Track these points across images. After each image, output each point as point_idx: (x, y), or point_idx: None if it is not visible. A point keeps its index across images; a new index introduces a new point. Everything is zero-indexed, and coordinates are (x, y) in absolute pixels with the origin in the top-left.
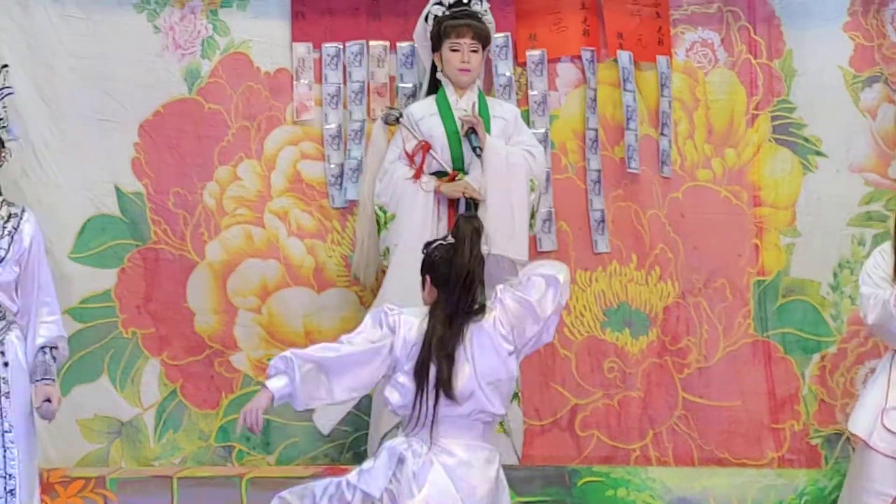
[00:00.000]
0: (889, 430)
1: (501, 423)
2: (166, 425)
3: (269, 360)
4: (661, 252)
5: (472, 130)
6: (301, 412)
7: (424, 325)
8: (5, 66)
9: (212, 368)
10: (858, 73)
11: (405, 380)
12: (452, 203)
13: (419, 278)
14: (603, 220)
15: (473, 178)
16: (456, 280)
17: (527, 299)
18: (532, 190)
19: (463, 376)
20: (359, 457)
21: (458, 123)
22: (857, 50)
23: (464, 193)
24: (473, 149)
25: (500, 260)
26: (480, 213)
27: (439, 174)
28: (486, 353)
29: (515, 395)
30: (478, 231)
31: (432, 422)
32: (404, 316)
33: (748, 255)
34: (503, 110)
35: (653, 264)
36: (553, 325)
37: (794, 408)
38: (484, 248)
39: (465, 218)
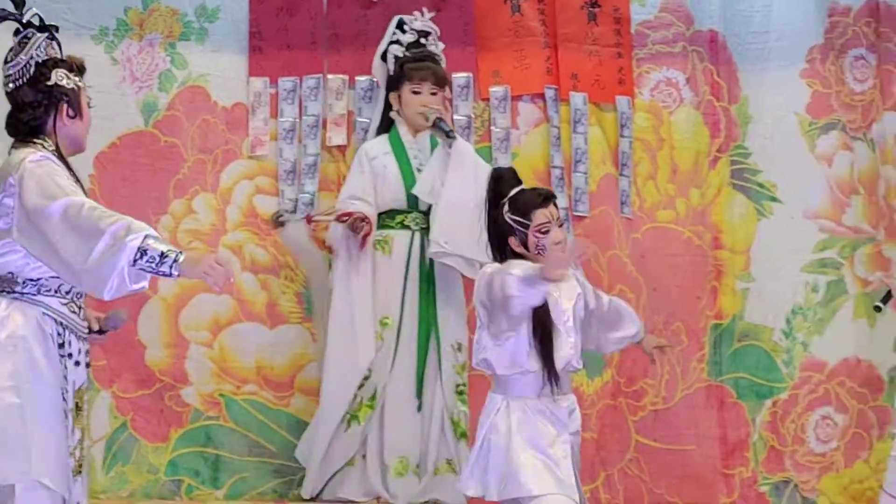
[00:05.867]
0: None
1: (450, 463)
2: (115, 458)
3: (220, 395)
4: (621, 293)
5: (439, 119)
6: (250, 447)
7: None
8: None
9: (162, 402)
10: (815, 119)
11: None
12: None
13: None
14: None
15: (426, 177)
16: None
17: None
18: None
19: None
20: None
21: (416, 164)
22: (814, 97)
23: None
24: (447, 133)
25: (454, 259)
26: (437, 209)
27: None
28: None
29: (464, 434)
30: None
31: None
32: None
33: (707, 297)
34: (459, 144)
35: None
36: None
37: (744, 454)
38: (444, 247)
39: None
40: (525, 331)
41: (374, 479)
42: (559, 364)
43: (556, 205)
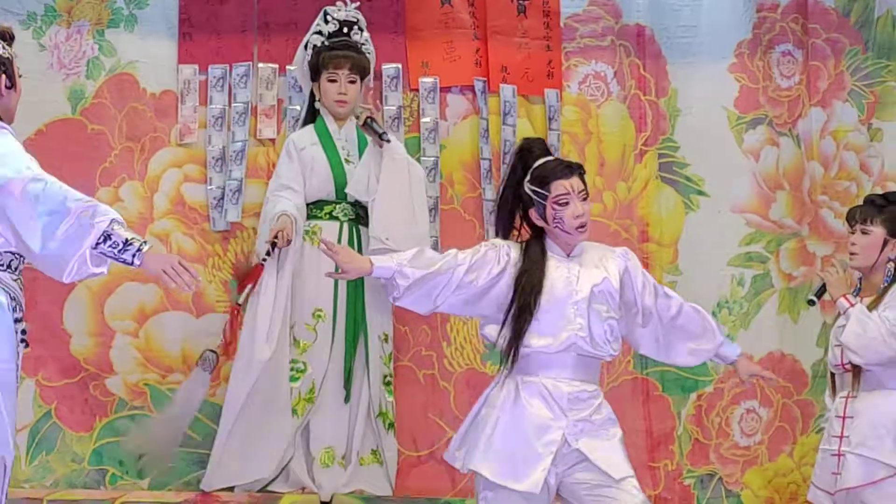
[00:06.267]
0: None
1: (375, 454)
2: (39, 447)
3: (145, 384)
4: None
5: (370, 119)
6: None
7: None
8: None
9: (87, 391)
10: (743, 114)
11: None
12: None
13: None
14: None
15: (360, 175)
16: None
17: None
18: None
19: None
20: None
21: (344, 154)
22: (742, 91)
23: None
24: (380, 135)
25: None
26: (374, 206)
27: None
28: None
29: (391, 425)
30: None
31: None
32: None
33: None
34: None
35: None
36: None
37: (669, 447)
38: (386, 242)
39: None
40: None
41: (299, 470)
42: (561, 344)
43: (581, 178)
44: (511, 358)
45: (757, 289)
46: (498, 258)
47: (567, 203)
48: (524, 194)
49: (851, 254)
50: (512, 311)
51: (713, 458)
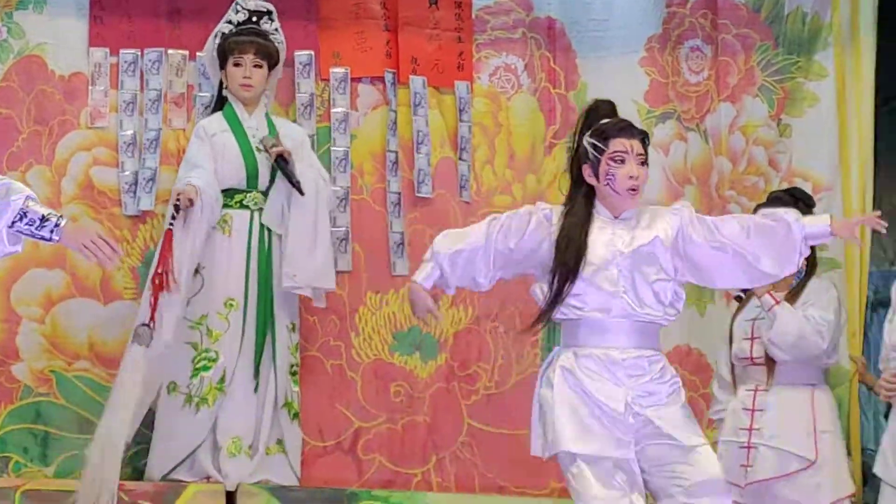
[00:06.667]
0: None
1: (281, 444)
2: None
3: (51, 371)
4: None
5: (282, 159)
6: (80, 425)
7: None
8: None
9: None
10: (653, 108)
11: None
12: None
13: None
14: (402, 243)
15: (274, 203)
16: None
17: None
18: None
19: None
20: (138, 472)
21: (255, 142)
22: (652, 85)
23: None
24: (294, 184)
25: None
26: (284, 243)
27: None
28: None
29: (296, 415)
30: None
31: None
32: None
33: None
34: (290, 130)
35: None
36: None
37: None
38: (294, 280)
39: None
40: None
41: (204, 459)
42: (610, 310)
43: (643, 144)
44: (547, 318)
45: None
46: (538, 221)
47: (623, 161)
48: (581, 149)
49: None
50: (554, 270)
51: None
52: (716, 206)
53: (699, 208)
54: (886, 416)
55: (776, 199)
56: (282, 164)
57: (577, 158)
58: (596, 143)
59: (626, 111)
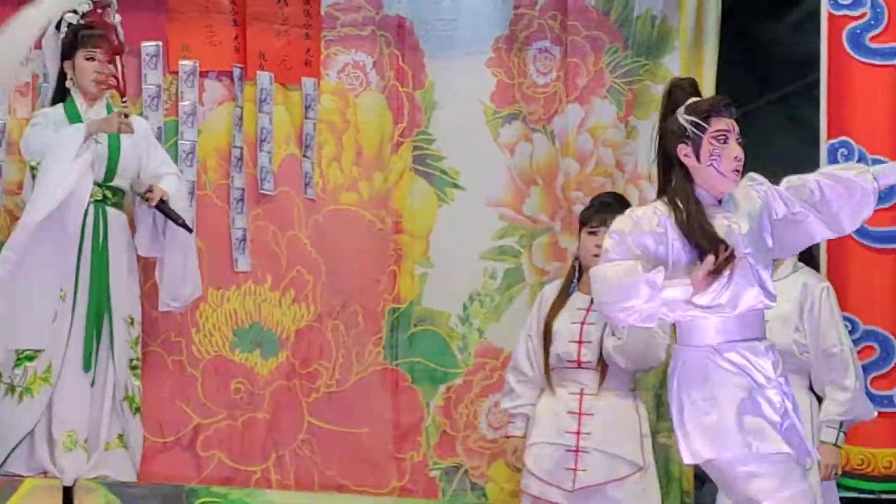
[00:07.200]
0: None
1: (121, 438)
2: None
3: None
4: (298, 274)
5: (162, 202)
6: None
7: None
8: None
9: None
10: (499, 109)
11: None
12: None
13: None
14: (244, 239)
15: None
16: None
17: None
18: None
19: None
20: None
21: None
22: (498, 86)
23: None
24: (180, 224)
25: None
26: (161, 267)
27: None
28: None
29: (138, 409)
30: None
31: None
32: None
33: (386, 281)
34: (134, 123)
35: (288, 286)
36: None
37: (417, 438)
38: (171, 305)
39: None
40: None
41: (41, 454)
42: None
43: (739, 131)
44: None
45: (509, 282)
46: (650, 231)
47: (726, 141)
48: (674, 128)
49: (595, 255)
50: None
51: (460, 450)
52: (561, 206)
53: (545, 209)
54: None
55: (606, 204)
56: (164, 208)
57: (668, 140)
58: (697, 120)
59: (471, 111)
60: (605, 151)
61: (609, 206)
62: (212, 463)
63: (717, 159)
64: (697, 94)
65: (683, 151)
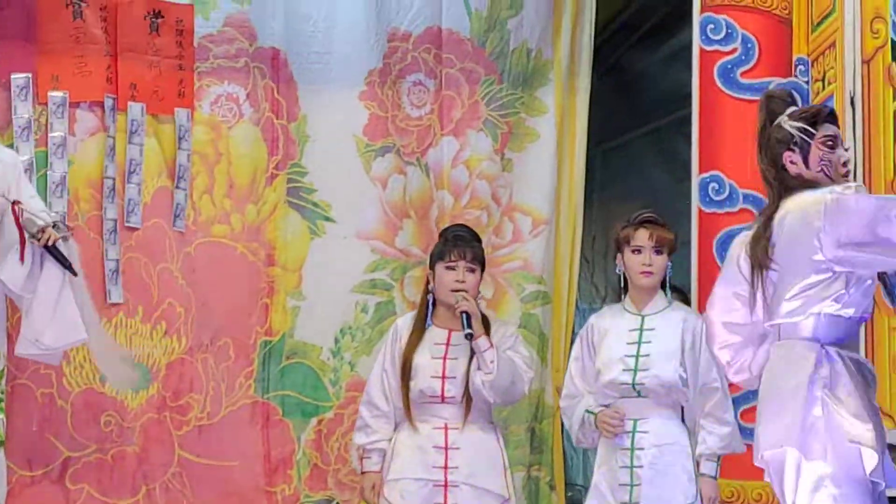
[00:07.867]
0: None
1: None
2: None
3: None
4: (170, 306)
5: (54, 248)
6: None
7: None
8: None
9: None
10: (371, 142)
11: None
12: None
13: None
14: (117, 271)
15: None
16: None
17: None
18: None
19: None
20: None
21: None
22: (371, 119)
23: None
24: (67, 268)
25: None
26: (29, 309)
27: None
28: None
29: (1, 443)
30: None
31: None
32: None
33: (258, 314)
34: (2, 154)
35: (159, 318)
36: None
37: (288, 472)
38: (36, 343)
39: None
40: None
41: None
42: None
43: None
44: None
45: (380, 316)
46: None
47: (833, 147)
48: (780, 136)
49: (453, 290)
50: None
51: (331, 483)
52: (434, 239)
53: (418, 242)
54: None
55: (468, 240)
56: (54, 251)
57: (772, 148)
58: (805, 126)
59: (344, 144)
60: (480, 184)
61: (462, 238)
62: (81, 496)
63: (827, 164)
64: (795, 103)
65: (790, 158)
